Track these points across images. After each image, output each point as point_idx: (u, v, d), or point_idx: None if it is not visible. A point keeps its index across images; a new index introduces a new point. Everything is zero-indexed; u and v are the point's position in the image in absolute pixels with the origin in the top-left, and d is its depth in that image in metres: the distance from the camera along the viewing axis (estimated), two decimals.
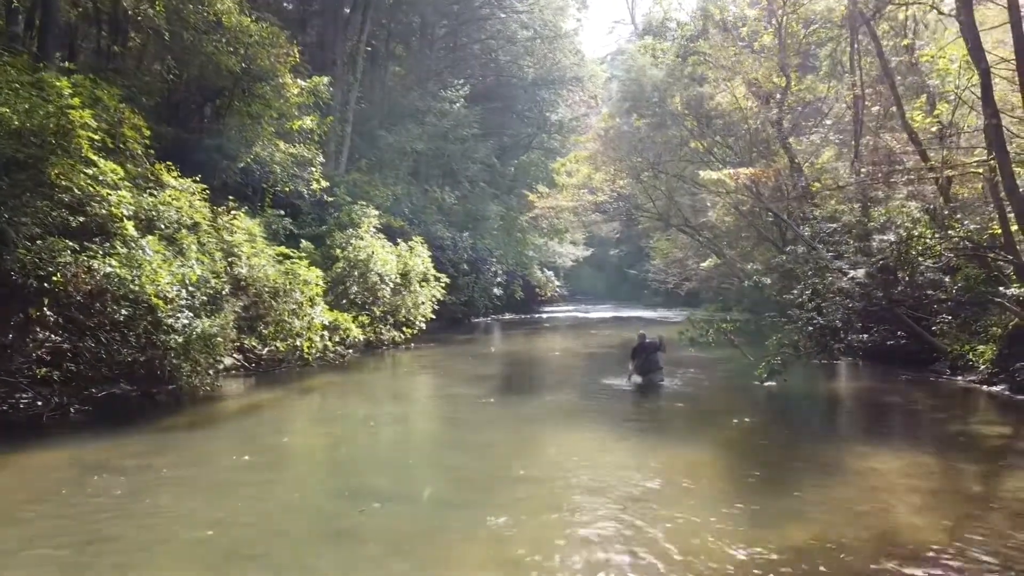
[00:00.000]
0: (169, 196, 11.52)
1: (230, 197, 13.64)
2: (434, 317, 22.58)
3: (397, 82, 36.12)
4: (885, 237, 11.52)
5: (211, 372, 11.39)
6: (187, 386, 11.28)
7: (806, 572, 4.93)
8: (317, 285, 13.94)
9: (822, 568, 5.00)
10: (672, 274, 31.45)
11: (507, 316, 37.09)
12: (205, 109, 21.16)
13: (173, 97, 20.40)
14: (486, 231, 34.40)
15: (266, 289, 12.82)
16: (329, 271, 18.91)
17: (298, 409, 11.64)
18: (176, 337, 10.72)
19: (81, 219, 9.40)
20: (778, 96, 21.78)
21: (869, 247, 12.20)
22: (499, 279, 35.20)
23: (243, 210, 15.51)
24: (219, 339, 10.95)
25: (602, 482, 7.17)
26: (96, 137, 9.69)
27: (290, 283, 13.22)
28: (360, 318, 18.87)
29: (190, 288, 10.60)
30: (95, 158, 9.60)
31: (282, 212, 19.96)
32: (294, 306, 13.25)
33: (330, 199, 20.66)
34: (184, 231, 11.48)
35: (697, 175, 22.25)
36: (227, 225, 12.84)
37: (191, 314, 10.65)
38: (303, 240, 18.83)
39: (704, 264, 24.63)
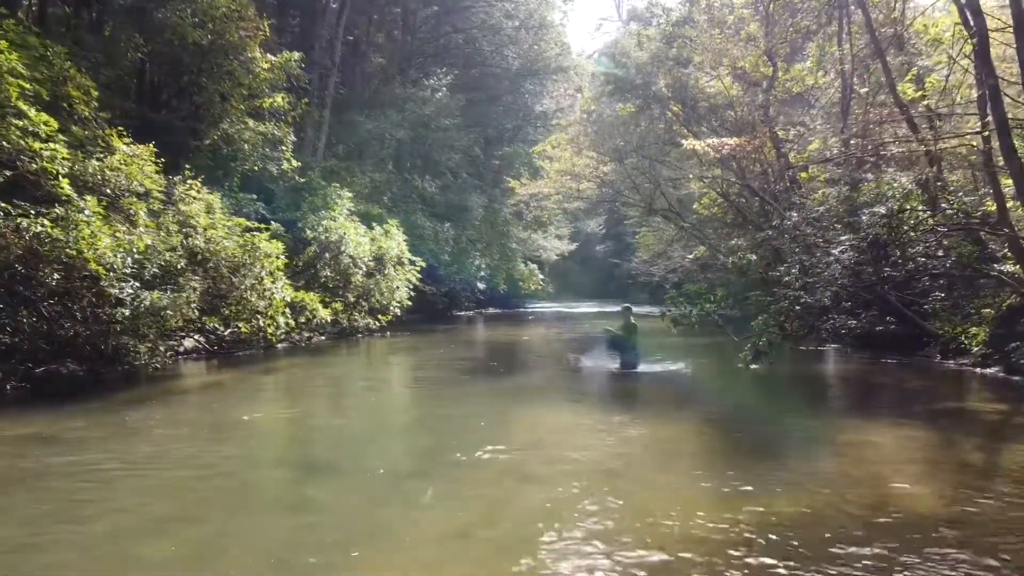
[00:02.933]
0: (118, 161, 10.76)
1: (186, 166, 12.71)
2: (410, 304, 21.90)
3: (378, 71, 35.38)
4: (876, 210, 10.96)
5: (162, 349, 10.64)
6: (136, 364, 10.55)
7: (796, 542, 4.32)
8: (278, 259, 13.16)
9: (814, 537, 4.40)
10: (658, 266, 30.92)
11: (490, 310, 36.53)
12: (173, 87, 20.38)
13: (140, 75, 19.60)
14: (468, 222, 33.78)
15: (224, 262, 12.06)
16: (301, 255, 18.20)
17: (257, 389, 10.91)
18: (123, 310, 10.00)
19: (8, 174, 8.64)
20: (764, 84, 21.37)
21: (858, 222, 11.63)
22: (482, 272, 34.61)
23: (204, 185, 14.80)
24: (169, 313, 10.20)
25: (572, 454, 6.56)
26: (27, 86, 8.93)
27: (250, 257, 12.45)
28: (334, 304, 18.17)
29: (136, 256, 9.85)
30: (26, 108, 8.85)
31: (255, 196, 19.23)
32: (253, 281, 12.48)
33: (302, 180, 19.90)
34: (134, 198, 10.72)
35: (683, 161, 21.79)
36: (183, 195, 12.07)
37: (138, 285, 9.90)
38: (273, 222, 18.07)
39: (690, 256, 24.10)
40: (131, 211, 10.39)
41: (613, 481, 5.64)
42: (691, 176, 19.91)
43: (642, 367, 12.57)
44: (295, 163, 18.55)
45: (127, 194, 10.65)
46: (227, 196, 17.67)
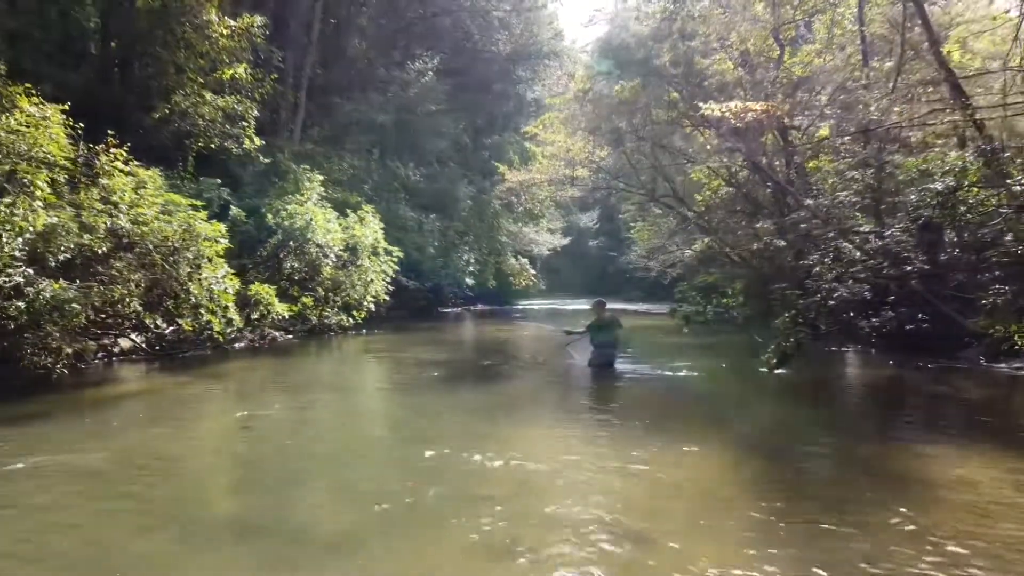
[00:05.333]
0: (16, 122, 8.84)
1: (109, 132, 10.55)
2: (391, 300, 20.04)
3: (360, 53, 33.40)
4: (932, 186, 9.20)
5: (70, 351, 8.77)
6: (47, 369, 8.68)
7: None
8: (216, 243, 11.19)
9: None
10: (656, 261, 29.13)
11: (479, 307, 34.70)
12: (127, 58, 18.45)
13: (104, 48, 17.65)
14: (456, 214, 31.85)
15: (155, 247, 10.11)
16: (265, 245, 16.30)
17: (190, 399, 9.02)
18: (18, 303, 8.11)
19: None
20: (772, 66, 19.73)
21: (904, 203, 9.88)
22: (471, 267, 32.75)
23: (155, 165, 12.91)
24: (76, 307, 8.31)
25: (574, 507, 4.72)
26: None
27: (184, 240, 10.49)
28: (304, 299, 16.30)
29: (28, 236, 7.95)
30: None
31: (219, 181, 17.33)
32: (189, 269, 10.56)
33: (266, 161, 17.96)
34: (39, 168, 8.76)
35: (689, 141, 20.04)
36: (106, 167, 10.15)
37: (30, 272, 8.01)
38: (233, 208, 16.14)
39: (694, 247, 22.27)
40: (25, 180, 8.44)
41: (639, 559, 3.83)
42: (701, 156, 18.07)
43: (641, 368, 11.06)
44: (257, 141, 16.61)
45: (30, 162, 8.71)
46: (180, 178, 15.80)
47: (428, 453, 6.08)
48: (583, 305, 39.10)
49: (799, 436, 7.09)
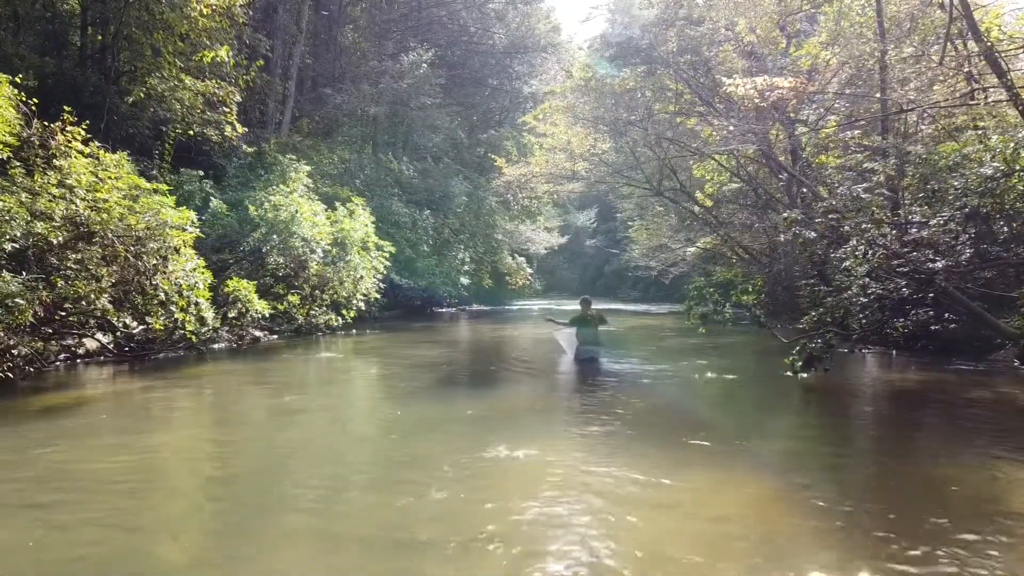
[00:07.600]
0: None
1: (66, 108, 9.42)
2: (382, 298, 19.10)
3: (352, 45, 32.40)
4: (982, 171, 8.29)
5: (18, 352, 7.76)
6: None
7: None
8: (184, 231, 10.12)
9: None
10: (657, 259, 28.22)
11: (475, 307, 33.78)
12: (99, 42, 17.41)
13: (83, 33, 16.63)
14: (450, 211, 30.87)
15: (118, 237, 9.08)
16: (248, 239, 15.31)
17: (145, 408, 7.99)
18: None
19: None
20: (779, 56, 18.92)
21: (943, 191, 8.98)
22: (466, 266, 31.82)
23: (131, 153, 11.89)
24: (21, 303, 7.31)
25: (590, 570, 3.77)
26: None
27: (149, 228, 9.45)
28: (290, 297, 15.33)
29: None
30: None
31: (200, 172, 16.36)
32: (155, 261, 9.54)
33: (250, 150, 16.96)
34: None
35: (691, 139, 19.12)
36: (62, 147, 9.11)
37: None
38: (213, 200, 15.16)
39: (699, 244, 21.38)
40: None
41: None
42: (709, 147, 17.15)
43: (654, 371, 10.35)
44: (240, 128, 15.60)
45: None
46: (158, 168, 14.81)
47: (413, 484, 5.11)
48: (578, 306, 38.23)
49: (853, 456, 6.14)
